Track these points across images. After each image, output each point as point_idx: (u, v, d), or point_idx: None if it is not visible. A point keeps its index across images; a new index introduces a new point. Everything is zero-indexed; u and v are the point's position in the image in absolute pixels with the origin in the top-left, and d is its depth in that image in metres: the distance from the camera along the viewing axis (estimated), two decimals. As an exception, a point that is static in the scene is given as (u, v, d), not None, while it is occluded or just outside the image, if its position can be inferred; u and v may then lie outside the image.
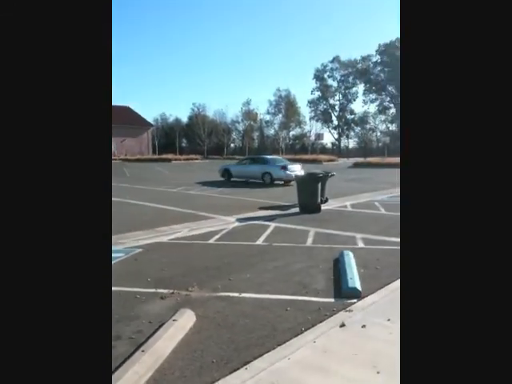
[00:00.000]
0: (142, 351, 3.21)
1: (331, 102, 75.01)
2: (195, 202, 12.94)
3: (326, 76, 73.73)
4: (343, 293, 4.69)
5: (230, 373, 3.08)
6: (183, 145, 68.38)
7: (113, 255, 6.41)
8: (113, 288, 4.91)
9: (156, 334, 3.57)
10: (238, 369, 3.14)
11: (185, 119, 71.83)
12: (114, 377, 2.83)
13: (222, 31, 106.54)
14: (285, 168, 19.15)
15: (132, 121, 52.59)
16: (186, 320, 3.92)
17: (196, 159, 47.24)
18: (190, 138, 66.27)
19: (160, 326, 3.75)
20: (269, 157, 22.24)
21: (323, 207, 11.16)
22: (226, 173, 21.08)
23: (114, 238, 7.75)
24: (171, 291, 4.82)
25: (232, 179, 20.70)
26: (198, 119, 63.87)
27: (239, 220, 9.69)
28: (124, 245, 7.20)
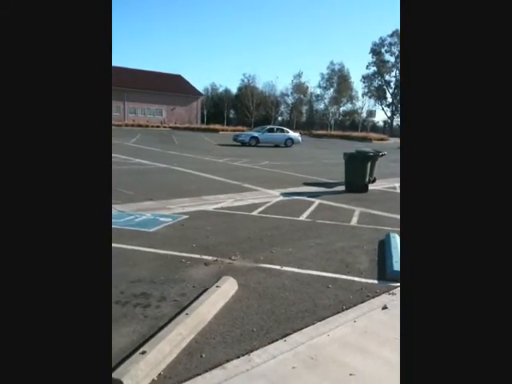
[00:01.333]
0: (186, 314, 3.31)
1: (387, 78, 72.00)
2: (240, 174, 13.02)
3: (383, 50, 70.64)
4: (388, 275, 4.59)
5: (269, 343, 3.13)
6: (231, 116, 68.52)
7: (161, 219, 6.64)
8: (160, 251, 5.10)
9: (199, 298, 3.67)
10: (276, 340, 3.18)
11: (234, 90, 71.70)
12: (158, 336, 2.96)
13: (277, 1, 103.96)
14: (300, 134, 29.72)
15: (183, 89, 53.09)
16: (228, 287, 4.01)
17: (243, 130, 47.33)
18: (238, 109, 66.23)
19: (203, 291, 3.85)
20: (281, 127, 31.05)
21: (371, 187, 10.89)
22: (254, 139, 26.78)
23: (161, 202, 8.01)
24: (215, 258, 4.93)
25: (259, 144, 26.91)
26: (247, 90, 63.51)
27: (283, 194, 9.66)
28: (171, 210, 7.40)
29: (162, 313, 3.48)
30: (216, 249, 5.33)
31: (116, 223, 6.24)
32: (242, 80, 70.15)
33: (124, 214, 6.90)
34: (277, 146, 27.61)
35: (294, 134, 29.08)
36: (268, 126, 30.41)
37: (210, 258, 4.96)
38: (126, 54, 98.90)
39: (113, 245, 5.23)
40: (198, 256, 5.01)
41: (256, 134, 27.38)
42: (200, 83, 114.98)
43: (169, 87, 51.24)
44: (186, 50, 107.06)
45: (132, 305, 3.59)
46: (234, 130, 45.55)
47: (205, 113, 57.22)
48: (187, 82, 55.78)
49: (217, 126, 46.55)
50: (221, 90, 72.12)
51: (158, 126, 43.92)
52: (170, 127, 44.90)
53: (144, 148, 21.08)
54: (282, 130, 29.26)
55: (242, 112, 63.10)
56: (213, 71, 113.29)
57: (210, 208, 7.86)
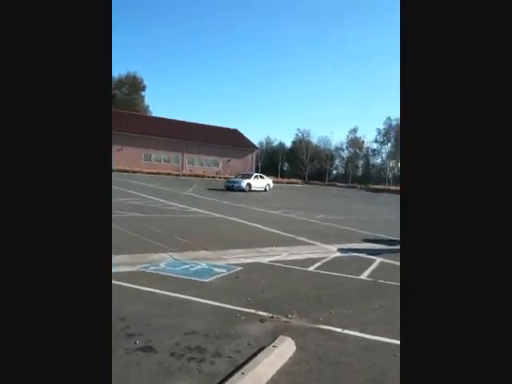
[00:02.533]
0: (242, 373, 3.11)
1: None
2: (295, 226, 12.83)
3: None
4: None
5: (333, 416, 2.82)
6: (285, 168, 69.46)
7: (215, 270, 6.56)
8: (215, 303, 4.97)
9: (255, 357, 3.45)
10: (340, 413, 2.87)
11: (288, 144, 73.20)
12: (214, 396, 2.77)
13: (333, 56, 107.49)
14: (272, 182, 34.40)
15: (239, 142, 54.96)
16: (285, 348, 3.76)
17: (297, 183, 47.52)
18: (291, 162, 67.16)
19: (259, 350, 3.63)
20: (261, 174, 34.55)
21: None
22: (248, 186, 29.59)
23: (216, 253, 7.97)
24: (270, 315, 4.70)
25: (251, 189, 29.74)
26: (301, 144, 64.58)
27: (341, 250, 9.31)
28: (226, 261, 7.33)
29: (217, 370, 3.29)
30: (271, 305, 5.11)
31: (173, 271, 6.25)
32: (297, 134, 71.75)
33: (180, 262, 6.91)
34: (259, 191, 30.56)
35: (269, 181, 33.28)
36: (253, 174, 34.13)
37: (265, 314, 4.74)
38: (189, 108, 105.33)
39: (169, 294, 5.19)
40: (253, 311, 4.81)
41: (249, 181, 30.19)
42: (255, 137, 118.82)
43: (226, 140, 53.26)
44: (244, 105, 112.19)
45: (187, 358, 3.44)
46: (288, 183, 45.91)
47: (259, 165, 58.48)
48: (243, 136, 57.75)
49: (271, 178, 47.18)
50: (275, 143, 74.01)
51: (213, 177, 45.27)
52: (225, 178, 46.12)
53: (200, 198, 21.62)
54: (262, 177, 32.82)
55: (295, 165, 63.82)
56: (268, 126, 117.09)
57: (265, 260, 7.70)
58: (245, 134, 58.16)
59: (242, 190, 28.88)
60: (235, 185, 29.36)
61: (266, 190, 31.28)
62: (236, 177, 33.19)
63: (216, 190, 28.70)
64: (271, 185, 32.59)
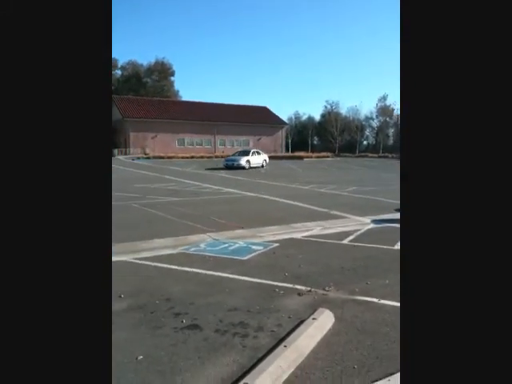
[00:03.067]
0: (284, 346, 3.29)
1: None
2: (327, 200, 12.85)
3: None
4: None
5: (372, 382, 2.96)
6: (315, 142, 68.66)
7: (253, 247, 6.76)
8: (254, 279, 5.17)
9: (296, 330, 3.63)
10: (380, 379, 3.00)
11: (317, 117, 72.05)
12: (258, 367, 2.97)
13: (359, 24, 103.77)
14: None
15: (268, 120, 54.68)
16: (324, 320, 3.91)
17: (327, 157, 46.99)
18: (321, 135, 66.22)
19: (300, 323, 3.80)
20: (257, 150, 33.83)
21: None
22: (248, 162, 29.38)
23: (252, 230, 8.17)
24: (308, 288, 4.86)
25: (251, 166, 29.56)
26: (330, 116, 63.43)
27: (374, 221, 9.31)
28: (262, 238, 7.52)
29: (260, 343, 3.49)
30: (309, 279, 5.26)
31: (212, 251, 6.51)
32: (325, 106, 70.47)
33: (218, 242, 7.16)
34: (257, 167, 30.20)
35: (266, 156, 32.85)
36: (250, 150, 33.03)
37: (303, 288, 4.90)
38: (218, 89, 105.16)
39: (210, 273, 5.44)
40: (291, 285, 4.98)
41: (248, 158, 29.79)
42: (284, 113, 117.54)
43: (255, 118, 53.14)
44: (273, 82, 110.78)
45: (231, 334, 3.66)
46: (319, 157, 45.46)
47: (289, 141, 58.12)
48: (272, 113, 57.34)
49: (301, 154, 46.96)
50: (304, 117, 73.01)
51: (244, 156, 45.48)
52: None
53: (233, 178, 21.88)
54: (259, 153, 32.31)
55: (325, 138, 62.95)
56: (296, 100, 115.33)
57: (299, 236, 7.83)
58: (274, 111, 57.76)
59: (242, 168, 28.62)
60: (235, 163, 29.01)
61: (263, 166, 31.00)
62: (233, 155, 32.69)
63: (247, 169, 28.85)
64: (267, 160, 32.53)
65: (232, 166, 28.73)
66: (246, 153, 31.54)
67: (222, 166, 29.66)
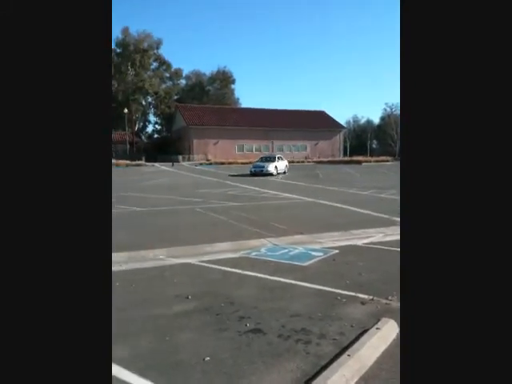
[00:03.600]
0: (348, 355, 3.27)
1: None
2: (387, 206, 12.47)
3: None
4: None
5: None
6: (374, 146, 66.97)
7: (312, 253, 6.75)
8: (315, 286, 5.17)
9: (359, 340, 3.59)
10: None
11: (376, 120, 70.21)
12: (322, 375, 2.98)
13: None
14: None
15: (326, 124, 54.18)
16: (388, 330, 3.83)
17: (386, 161, 45.58)
18: (380, 139, 64.53)
19: (363, 332, 3.76)
20: (279, 155, 32.36)
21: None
22: (275, 169, 27.89)
23: (312, 236, 8.15)
24: (371, 297, 4.78)
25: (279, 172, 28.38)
26: (390, 119, 61.52)
27: (441, 229, 8.90)
28: (322, 244, 7.49)
29: (323, 351, 3.49)
30: (371, 287, 5.17)
31: (273, 256, 6.59)
32: (385, 109, 68.46)
33: (279, 247, 7.24)
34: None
35: (286, 162, 31.72)
36: (273, 156, 31.40)
37: (365, 296, 4.82)
38: (277, 95, 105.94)
39: (271, 278, 5.52)
40: (352, 293, 4.92)
41: (276, 164, 28.35)
42: (342, 116, 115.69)
43: (312, 123, 52.92)
44: (331, 86, 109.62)
45: (294, 340, 3.70)
46: (377, 161, 44.22)
47: (347, 145, 57.14)
48: (330, 117, 56.73)
49: (359, 158, 45.97)
50: (363, 121, 71.43)
51: (302, 162, 45.38)
52: (313, 161, 45.95)
53: (290, 183, 21.92)
54: (282, 158, 31.05)
55: (385, 142, 61.19)
56: (355, 104, 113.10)
57: (360, 243, 7.70)
58: (331, 115, 57.12)
59: (270, 174, 26.79)
60: (263, 169, 26.97)
61: (285, 173, 29.25)
62: (259, 161, 30.52)
63: (307, 175, 28.78)
64: (288, 166, 31.27)
65: (260, 173, 26.85)
66: (271, 159, 30.03)
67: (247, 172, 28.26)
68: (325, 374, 3.00)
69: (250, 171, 27.72)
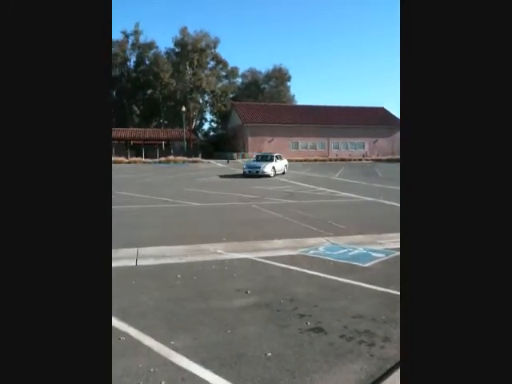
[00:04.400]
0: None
1: None
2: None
3: None
4: None
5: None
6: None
7: (373, 254, 6.54)
8: (378, 287, 5.01)
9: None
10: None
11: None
12: (388, 380, 2.86)
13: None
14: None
15: (385, 121, 52.38)
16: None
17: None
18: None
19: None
20: (278, 154, 27.22)
21: None
22: (273, 170, 24.22)
23: (372, 237, 7.91)
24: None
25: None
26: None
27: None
28: (383, 245, 7.24)
29: (388, 354, 3.37)
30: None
31: (332, 255, 6.48)
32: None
33: (338, 246, 7.09)
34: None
35: (286, 161, 27.69)
36: (270, 155, 26.68)
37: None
38: (334, 92, 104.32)
39: (330, 277, 5.42)
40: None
41: (273, 164, 24.45)
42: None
43: (371, 120, 51.38)
44: (389, 80, 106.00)
45: (356, 341, 3.60)
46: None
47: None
48: (390, 114, 54.77)
49: (422, 156, 43.93)
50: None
51: (360, 160, 44.29)
52: (371, 160, 44.67)
53: (349, 181, 21.45)
54: (281, 158, 26.95)
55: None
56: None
57: (425, 245, 7.34)
58: (392, 112, 55.19)
59: (267, 176, 23.01)
60: (259, 170, 23.26)
61: (283, 173, 25.43)
62: (254, 160, 26.60)
63: (367, 173, 28.07)
64: (287, 165, 27.33)
65: (254, 175, 23.11)
66: (268, 158, 25.77)
67: (241, 172, 25.07)
68: (392, 377, 2.88)
69: (244, 172, 24.19)
